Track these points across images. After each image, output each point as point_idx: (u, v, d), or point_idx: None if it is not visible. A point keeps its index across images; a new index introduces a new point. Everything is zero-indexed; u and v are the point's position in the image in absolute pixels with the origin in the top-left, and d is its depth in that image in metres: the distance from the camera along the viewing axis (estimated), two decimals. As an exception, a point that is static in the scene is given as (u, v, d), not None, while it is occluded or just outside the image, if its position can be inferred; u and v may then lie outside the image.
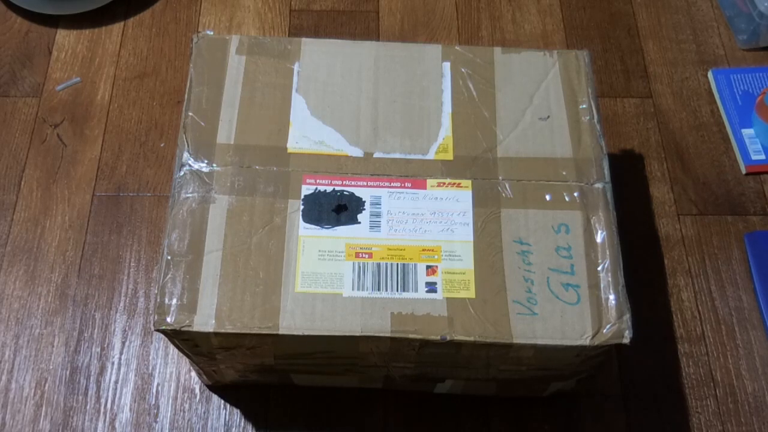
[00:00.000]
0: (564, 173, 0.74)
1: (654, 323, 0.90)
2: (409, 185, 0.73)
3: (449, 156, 0.75)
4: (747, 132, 1.03)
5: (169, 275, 0.68)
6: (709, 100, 1.07)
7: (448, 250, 0.70)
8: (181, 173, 0.73)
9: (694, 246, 0.96)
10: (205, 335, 0.67)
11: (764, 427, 0.85)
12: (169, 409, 0.85)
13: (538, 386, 0.81)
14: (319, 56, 0.80)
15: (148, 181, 0.98)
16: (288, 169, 0.74)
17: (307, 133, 0.76)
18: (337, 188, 0.73)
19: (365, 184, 0.73)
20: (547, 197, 0.73)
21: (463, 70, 0.79)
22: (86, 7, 1.10)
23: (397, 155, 0.75)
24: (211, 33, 0.81)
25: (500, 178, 0.74)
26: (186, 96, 0.76)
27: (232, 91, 0.77)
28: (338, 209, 0.72)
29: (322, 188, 0.73)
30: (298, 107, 0.77)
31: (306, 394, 0.85)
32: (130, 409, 0.85)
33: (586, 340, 0.67)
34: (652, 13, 1.14)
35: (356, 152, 0.75)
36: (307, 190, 0.72)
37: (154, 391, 0.86)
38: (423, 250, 0.70)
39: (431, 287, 0.69)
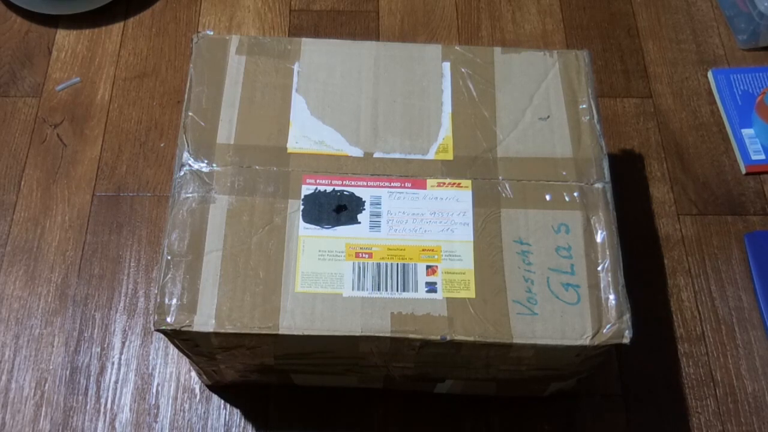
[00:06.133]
0: (564, 173, 0.74)
1: (654, 323, 0.91)
2: (409, 185, 0.73)
3: (449, 156, 0.75)
4: (747, 132, 1.03)
5: (169, 275, 0.68)
6: (709, 100, 1.07)
7: (448, 250, 0.70)
8: (181, 173, 0.73)
9: (694, 246, 0.96)
10: (205, 335, 0.67)
11: (764, 427, 0.85)
12: (169, 409, 0.85)
13: (538, 386, 0.81)
14: (319, 56, 0.80)
15: (148, 181, 0.98)
16: (288, 169, 0.74)
17: (307, 133, 0.76)
18: (337, 188, 0.73)
19: (365, 184, 0.73)
20: (547, 197, 0.73)
21: (463, 70, 0.79)
22: (86, 7, 1.10)
23: (397, 155, 0.75)
24: (211, 33, 0.81)
25: (500, 178, 0.74)
26: (186, 96, 0.76)
27: (232, 91, 0.77)
28: (338, 209, 0.72)
29: (322, 188, 0.73)
30: (298, 107, 0.77)
31: (306, 394, 0.85)
32: (130, 409, 0.85)
33: (586, 340, 0.67)
34: (652, 13, 1.14)
35: (356, 152, 0.75)
36: (307, 190, 0.73)
37: (154, 391, 0.86)
38: (423, 250, 0.70)
39: (431, 287, 0.69)
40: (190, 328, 0.66)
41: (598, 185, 0.73)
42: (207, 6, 1.13)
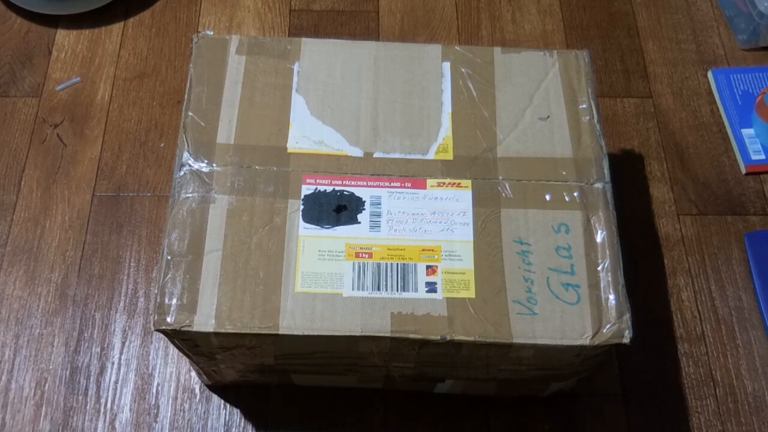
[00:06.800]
0: (564, 173, 0.74)
1: (654, 323, 0.91)
2: (409, 185, 0.73)
3: (449, 156, 0.75)
4: (747, 132, 1.03)
5: (169, 275, 0.68)
6: (709, 100, 1.07)
7: (448, 250, 0.70)
8: (181, 173, 0.73)
9: (694, 246, 0.96)
10: (205, 335, 0.67)
11: (764, 427, 0.85)
12: (169, 409, 0.85)
13: (538, 386, 0.81)
14: (319, 56, 0.80)
15: (148, 181, 0.98)
16: (288, 169, 0.74)
17: (307, 133, 0.76)
18: (337, 188, 0.73)
19: (365, 184, 0.73)
20: (547, 197, 0.73)
21: (463, 70, 0.79)
22: (86, 7, 1.10)
23: (397, 155, 0.75)
24: (211, 33, 0.81)
25: (500, 178, 0.74)
26: (186, 96, 0.76)
27: (232, 91, 0.77)
28: (338, 209, 0.72)
29: (322, 188, 0.73)
30: (298, 107, 0.77)
31: (306, 394, 0.85)
32: (130, 409, 0.85)
33: (586, 340, 0.67)
34: (652, 13, 1.14)
35: (356, 152, 0.75)
36: (307, 190, 0.73)
37: (154, 391, 0.86)
38: (423, 250, 0.70)
39: (431, 287, 0.69)
40: (190, 328, 0.66)
41: (598, 185, 0.73)
42: (207, 6, 1.13)
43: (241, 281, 0.68)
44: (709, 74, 1.08)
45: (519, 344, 0.67)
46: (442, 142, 0.76)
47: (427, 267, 0.70)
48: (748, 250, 0.94)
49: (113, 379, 0.86)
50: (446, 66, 0.80)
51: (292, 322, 0.67)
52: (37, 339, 0.88)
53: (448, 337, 0.66)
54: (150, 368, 0.87)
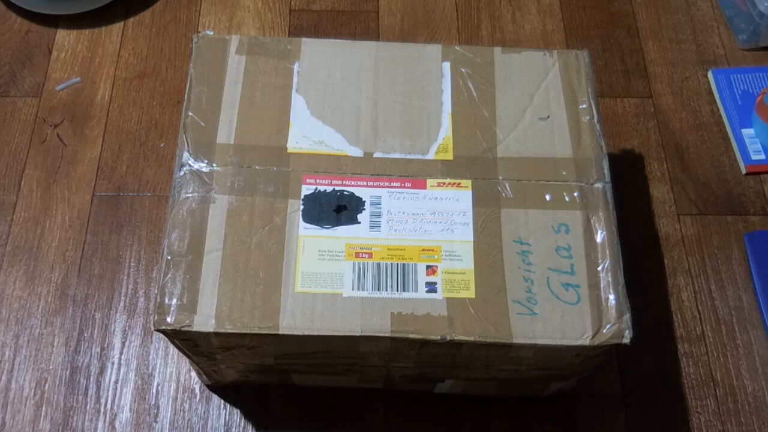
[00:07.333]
0: (564, 173, 0.74)
1: (654, 323, 0.91)
2: (409, 185, 0.73)
3: (449, 156, 0.75)
4: (747, 132, 1.03)
5: (169, 275, 0.68)
6: (709, 100, 1.07)
7: (448, 250, 0.70)
8: (181, 173, 0.73)
9: (694, 246, 0.96)
10: (205, 335, 0.67)
11: (764, 427, 0.85)
12: (169, 409, 0.85)
13: (538, 386, 0.81)
14: (319, 56, 0.80)
15: (148, 181, 0.98)
16: (288, 169, 0.74)
17: (307, 133, 0.76)
18: (337, 188, 0.73)
19: (365, 184, 0.73)
20: (547, 197, 0.73)
21: (463, 70, 0.79)
22: (86, 7, 1.10)
23: (397, 155, 0.75)
24: (211, 33, 0.81)
25: (500, 177, 0.74)
26: (186, 96, 0.76)
27: (232, 91, 0.77)
28: (338, 209, 0.72)
29: (322, 188, 0.73)
30: (298, 107, 0.77)
31: (306, 394, 0.85)
32: (130, 409, 0.85)
33: (586, 340, 0.67)
34: (652, 13, 1.14)
35: (356, 152, 0.75)
36: (307, 190, 0.73)
37: (154, 391, 0.86)
38: (423, 250, 0.70)
39: (431, 287, 0.69)
40: (190, 328, 0.66)
41: (598, 185, 0.73)
42: (207, 6, 1.13)
43: (241, 281, 0.68)
44: (709, 74, 1.08)
45: (519, 344, 0.67)
46: (442, 142, 0.76)
47: (427, 267, 0.70)
48: (748, 250, 0.94)
49: (113, 379, 0.86)
50: (446, 66, 0.80)
51: (292, 322, 0.67)
52: (37, 339, 0.88)
53: (448, 337, 0.66)
54: (150, 368, 0.87)
